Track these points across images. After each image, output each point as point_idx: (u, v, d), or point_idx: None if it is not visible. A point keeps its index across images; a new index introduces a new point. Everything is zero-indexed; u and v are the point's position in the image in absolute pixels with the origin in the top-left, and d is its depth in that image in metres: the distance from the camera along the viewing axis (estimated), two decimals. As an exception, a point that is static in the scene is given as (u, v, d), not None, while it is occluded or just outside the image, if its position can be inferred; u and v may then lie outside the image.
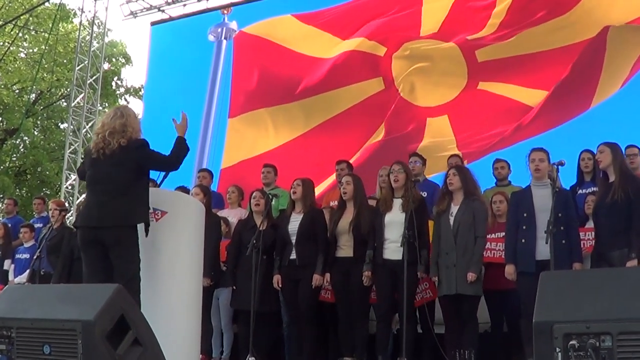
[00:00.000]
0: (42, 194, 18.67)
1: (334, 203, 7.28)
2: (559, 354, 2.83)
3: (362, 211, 6.36)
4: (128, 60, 23.91)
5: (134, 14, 14.84)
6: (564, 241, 5.45)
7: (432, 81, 10.09)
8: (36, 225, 9.35)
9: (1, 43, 20.70)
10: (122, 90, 24.20)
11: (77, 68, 15.00)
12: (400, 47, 10.27)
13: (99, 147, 5.01)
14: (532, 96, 9.23)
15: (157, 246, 5.09)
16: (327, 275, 6.37)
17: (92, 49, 15.19)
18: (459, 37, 9.81)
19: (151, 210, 5.14)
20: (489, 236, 6.13)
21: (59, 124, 23.03)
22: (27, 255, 8.62)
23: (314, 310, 6.48)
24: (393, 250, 6.02)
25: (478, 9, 9.72)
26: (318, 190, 8.74)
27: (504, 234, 5.98)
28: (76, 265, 7.10)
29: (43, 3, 19.42)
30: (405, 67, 10.27)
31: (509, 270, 5.68)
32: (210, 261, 6.53)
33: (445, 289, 5.88)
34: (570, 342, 2.81)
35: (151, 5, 14.58)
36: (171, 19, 14.29)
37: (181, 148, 5.23)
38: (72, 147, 14.54)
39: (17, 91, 21.85)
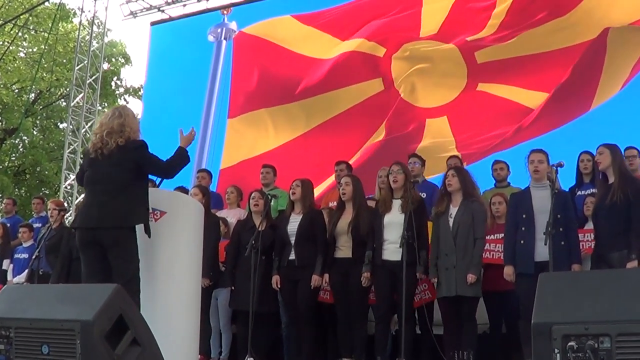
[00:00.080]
0: (41, 193, 18.70)
1: (333, 204, 7.28)
2: (558, 355, 2.83)
3: (361, 212, 6.36)
4: (127, 60, 23.94)
5: (133, 14, 14.85)
6: (563, 242, 5.46)
7: (432, 82, 10.09)
8: (35, 225, 9.34)
9: (1, 42, 20.70)
10: (121, 90, 24.24)
11: (76, 68, 14.99)
12: (399, 48, 10.27)
13: (97, 147, 5.01)
14: (533, 98, 9.22)
15: (155, 246, 5.09)
16: (326, 276, 6.37)
17: (91, 48, 15.20)
18: (458, 39, 9.80)
19: (150, 211, 5.14)
20: (488, 237, 6.13)
21: (58, 123, 23.05)
22: (25, 255, 8.62)
23: (313, 311, 6.48)
24: (392, 251, 6.02)
25: (478, 10, 9.72)
26: (317, 190, 8.75)
27: (502, 235, 5.97)
28: (75, 265, 7.10)
29: (43, 3, 19.42)
30: (405, 68, 10.26)
31: (508, 272, 5.68)
32: (209, 261, 6.54)
33: (445, 291, 5.88)
34: (569, 344, 2.81)
35: (151, 5, 14.58)
36: (171, 19, 14.29)
37: (181, 158, 5.21)
38: (72, 147, 14.54)
39: (16, 91, 21.85)
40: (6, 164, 21.44)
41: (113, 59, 23.34)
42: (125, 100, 24.02)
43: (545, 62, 9.19)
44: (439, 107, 9.97)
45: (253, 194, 7.06)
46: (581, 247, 5.81)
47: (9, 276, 8.74)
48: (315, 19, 11.02)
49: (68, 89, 16.98)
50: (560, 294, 3.04)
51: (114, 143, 4.95)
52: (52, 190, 21.72)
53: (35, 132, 22.82)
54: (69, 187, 14.42)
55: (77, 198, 13.87)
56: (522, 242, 5.65)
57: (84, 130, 14.50)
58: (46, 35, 19.15)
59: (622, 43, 8.69)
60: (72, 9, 21.23)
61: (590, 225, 6.14)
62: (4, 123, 21.50)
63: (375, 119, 10.32)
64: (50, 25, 18.45)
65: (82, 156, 12.18)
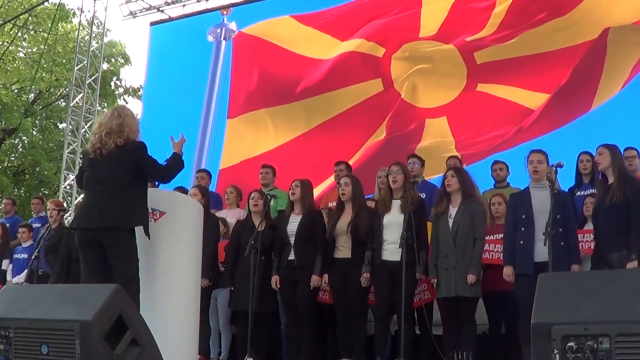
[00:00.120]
0: (40, 193, 18.67)
1: (332, 204, 7.28)
2: (557, 355, 2.83)
3: (360, 212, 6.36)
4: (127, 60, 23.96)
5: (133, 14, 14.85)
6: (562, 243, 5.46)
7: (432, 82, 10.08)
8: (34, 225, 9.34)
9: (0, 42, 20.70)
10: (121, 90, 24.26)
11: (76, 68, 14.99)
12: (399, 48, 10.26)
13: (96, 148, 5.01)
14: (533, 99, 9.21)
15: (155, 247, 5.09)
16: (325, 276, 6.37)
17: (91, 48, 15.19)
18: (458, 40, 9.80)
19: (149, 211, 5.14)
20: (487, 238, 6.12)
21: (58, 123, 23.05)
22: (25, 255, 8.62)
23: (312, 311, 6.48)
24: (391, 251, 6.02)
25: (477, 11, 9.71)
26: (317, 191, 8.75)
27: (502, 235, 5.97)
28: (74, 265, 7.10)
29: (42, 3, 19.42)
30: (404, 68, 10.26)
31: (507, 272, 5.68)
32: (209, 262, 6.53)
33: (445, 292, 5.88)
34: (568, 344, 2.82)
35: (150, 6, 14.58)
36: (170, 19, 14.29)
37: (177, 163, 5.24)
38: (71, 147, 14.54)
39: (15, 91, 21.85)
40: (5, 164, 21.44)
41: (112, 59, 23.35)
42: (124, 100, 24.05)
43: (545, 62, 9.18)
44: (438, 107, 9.97)
45: (252, 194, 7.06)
46: (580, 248, 5.81)
47: (9, 276, 8.74)
48: (314, 19, 11.01)
49: (67, 89, 16.99)
50: (560, 294, 3.04)
51: (113, 143, 4.96)
52: (52, 190, 21.72)
53: (34, 132, 22.83)
54: (68, 187, 14.42)
55: (76, 198, 13.86)
56: (521, 242, 5.65)
57: (83, 130, 14.50)
58: (46, 35, 19.14)
59: (622, 43, 8.69)
60: (72, 9, 21.31)
61: (589, 226, 6.15)
62: (3, 123, 21.51)
63: (375, 120, 10.31)
64: (49, 25, 18.46)
65: (81, 156, 12.17)
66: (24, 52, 22.03)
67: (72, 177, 14.15)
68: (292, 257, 6.48)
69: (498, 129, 9.37)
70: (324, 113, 10.59)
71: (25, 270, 8.10)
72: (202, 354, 6.56)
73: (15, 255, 8.83)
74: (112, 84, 23.55)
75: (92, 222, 4.86)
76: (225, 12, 13.21)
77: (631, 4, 8.78)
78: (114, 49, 23.12)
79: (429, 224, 6.29)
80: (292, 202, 6.73)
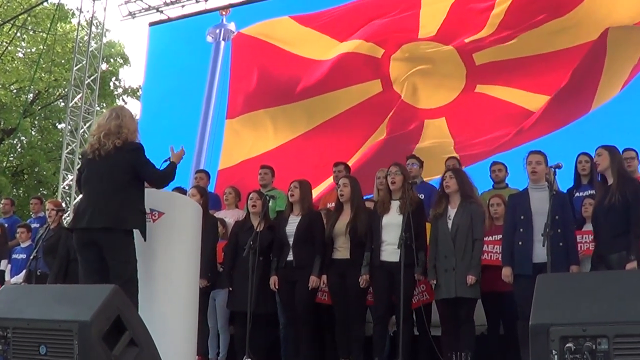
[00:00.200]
0: (39, 194, 18.66)
1: (331, 205, 7.28)
2: (556, 356, 2.84)
3: (358, 213, 6.36)
4: (126, 60, 23.96)
5: (132, 14, 14.85)
6: (561, 244, 5.46)
7: (432, 84, 10.08)
8: (33, 226, 9.33)
9: (-1, 42, 20.72)
10: (120, 90, 24.26)
11: (75, 68, 14.99)
12: (398, 48, 10.26)
13: (94, 148, 5.01)
14: (533, 101, 9.21)
15: (153, 247, 5.09)
16: (324, 277, 6.37)
17: (90, 49, 15.20)
18: (457, 41, 9.80)
19: (148, 211, 5.14)
20: (486, 239, 6.13)
21: (57, 124, 23.04)
22: (23, 256, 8.61)
23: (311, 312, 6.48)
24: (390, 252, 6.02)
25: (477, 12, 9.71)
26: (316, 192, 8.75)
27: (501, 236, 5.98)
28: (72, 266, 7.09)
29: (41, 3, 19.42)
30: (404, 69, 10.26)
31: (506, 273, 5.68)
32: (207, 262, 6.53)
33: (445, 293, 5.87)
34: (567, 345, 2.82)
35: (149, 6, 14.59)
36: (169, 19, 14.29)
37: (172, 173, 5.23)
38: (70, 148, 14.54)
39: (14, 91, 21.84)
40: (4, 164, 21.42)
41: (111, 60, 23.35)
42: (123, 100, 24.05)
43: (545, 63, 9.17)
44: (437, 108, 9.97)
45: (251, 195, 7.06)
46: (579, 249, 5.83)
47: (7, 276, 8.73)
48: (313, 20, 11.01)
49: (66, 90, 17.00)
50: (558, 295, 3.04)
51: (111, 144, 4.95)
52: (50, 190, 21.72)
53: (33, 133, 22.81)
54: (67, 188, 14.42)
55: (75, 198, 13.86)
56: (520, 243, 5.65)
57: (82, 130, 14.50)
58: (45, 35, 19.14)
59: (622, 43, 8.68)
60: (71, 10, 21.29)
61: (588, 227, 6.16)
62: (2, 123, 21.50)
63: (374, 120, 10.31)
64: (48, 25, 18.48)
65: (80, 157, 12.18)
66: (23, 52, 22.04)
67: (70, 177, 14.16)
68: (290, 257, 6.48)
69: (497, 130, 9.37)
70: (323, 114, 10.59)
71: (24, 271, 8.10)
72: (200, 355, 6.55)
73: (14, 256, 8.82)
74: (111, 84, 23.56)
75: (90, 222, 4.86)
76: (224, 13, 13.21)
77: (631, 5, 8.77)
78: (113, 50, 23.12)
79: (428, 225, 6.29)
80: (291, 203, 6.72)
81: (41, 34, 20.23)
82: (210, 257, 6.85)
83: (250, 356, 6.15)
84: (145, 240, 4.91)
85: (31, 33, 21.18)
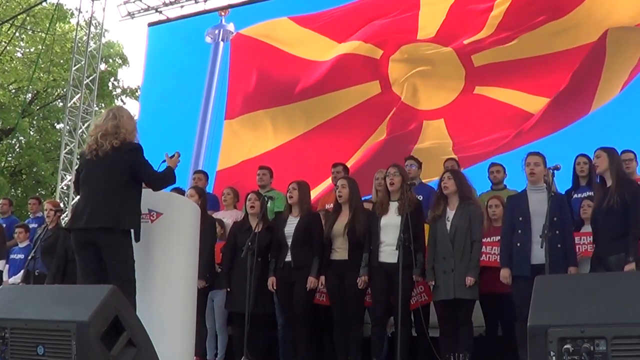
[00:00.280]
0: (37, 194, 18.63)
1: (329, 206, 7.28)
2: (554, 357, 2.84)
3: (357, 214, 6.36)
4: (125, 61, 23.94)
5: (131, 14, 14.84)
6: (559, 245, 5.46)
7: (431, 85, 10.09)
8: (31, 226, 9.32)
9: (-2, 42, 20.71)
10: (118, 91, 24.23)
11: (73, 68, 14.98)
12: (397, 49, 10.27)
13: (92, 149, 5.01)
14: (533, 103, 9.20)
15: (152, 248, 5.09)
16: (322, 278, 6.36)
17: (89, 49, 15.19)
18: (456, 42, 9.80)
19: (146, 212, 5.14)
20: (484, 240, 6.12)
21: (55, 124, 23.01)
22: (21, 256, 8.60)
23: (309, 313, 6.47)
24: (388, 253, 6.01)
25: (476, 13, 9.71)
26: (315, 193, 8.75)
27: (499, 237, 5.98)
28: (70, 266, 7.09)
29: (40, 3, 19.41)
30: (403, 70, 10.26)
31: (504, 274, 5.68)
32: (205, 263, 6.52)
33: (443, 294, 5.87)
34: (565, 346, 2.82)
35: (148, 6, 14.58)
36: (168, 20, 14.28)
37: (170, 176, 5.23)
38: (68, 148, 14.52)
39: (13, 91, 21.82)
40: (2, 164, 21.39)
41: (110, 60, 23.33)
42: (122, 101, 24.03)
43: (545, 65, 9.17)
44: (436, 109, 9.97)
45: (249, 196, 7.05)
46: (577, 250, 5.83)
47: (5, 277, 8.71)
48: (312, 21, 11.02)
49: (65, 90, 16.98)
50: (557, 296, 3.04)
51: (109, 145, 4.95)
52: (49, 190, 21.68)
53: (31, 133, 22.78)
54: (65, 188, 14.41)
55: (73, 199, 13.84)
56: (518, 244, 5.65)
57: (80, 130, 14.49)
58: (43, 35, 19.12)
59: (622, 43, 8.68)
60: (70, 10, 21.23)
61: (586, 228, 6.17)
62: (0, 123, 21.48)
63: (372, 121, 10.32)
64: (47, 25, 18.44)
65: (78, 157, 12.17)
66: (22, 52, 22.02)
67: (69, 177, 14.14)
68: (288, 258, 6.47)
69: (496, 131, 9.38)
70: (322, 115, 10.59)
71: (22, 271, 8.09)
72: (198, 356, 6.54)
73: (12, 256, 8.81)
74: (110, 84, 23.54)
75: (88, 222, 4.86)
76: (223, 14, 13.21)
77: (631, 6, 8.76)
78: (111, 50, 23.11)
79: (426, 226, 6.29)
80: (290, 204, 6.72)
81: (40, 33, 20.22)
82: (209, 257, 6.84)
83: (249, 357, 6.15)
84: (138, 241, 4.91)
85: (30, 33, 21.16)
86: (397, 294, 5.73)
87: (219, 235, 7.42)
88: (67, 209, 12.87)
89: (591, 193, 6.47)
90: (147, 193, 5.14)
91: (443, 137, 9.76)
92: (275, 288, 6.54)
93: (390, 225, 6.08)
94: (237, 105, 11.28)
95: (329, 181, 9.03)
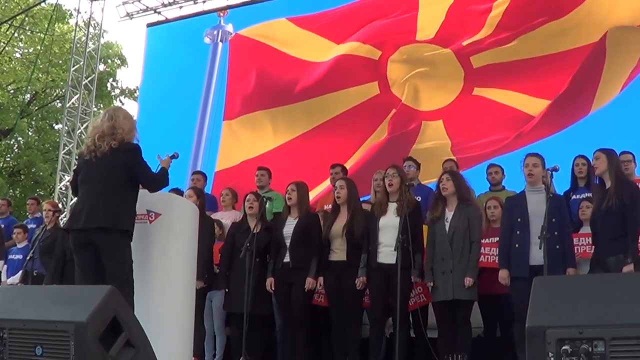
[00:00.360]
0: (35, 194, 18.62)
1: (328, 207, 7.28)
2: (552, 358, 2.84)
3: (355, 215, 6.36)
4: (123, 61, 23.92)
5: (130, 15, 14.84)
6: (557, 246, 5.47)
7: (431, 86, 10.09)
8: (29, 226, 9.32)
9: (-3, 43, 20.69)
10: (117, 91, 24.23)
11: (72, 69, 14.98)
12: (395, 50, 10.27)
13: (91, 150, 5.02)
14: (533, 105, 9.19)
15: (150, 248, 5.10)
16: (321, 279, 6.36)
17: (87, 49, 15.19)
18: (455, 44, 9.80)
19: (145, 212, 5.14)
20: (483, 241, 6.12)
21: (54, 124, 23.01)
22: (20, 256, 8.60)
23: (307, 314, 6.47)
24: (387, 254, 6.02)
25: (475, 14, 9.71)
26: (313, 193, 8.75)
27: (497, 239, 5.98)
28: (69, 266, 7.08)
29: (39, 3, 19.40)
30: (402, 71, 10.26)
31: (503, 275, 5.68)
32: (204, 264, 6.52)
33: (442, 295, 5.87)
34: (563, 347, 2.82)
35: (147, 7, 14.57)
36: (167, 20, 14.29)
37: (164, 177, 5.23)
38: (67, 148, 14.52)
39: (11, 91, 21.81)
40: (1, 165, 21.38)
41: (109, 60, 23.33)
42: (120, 101, 24.03)
43: (544, 66, 9.16)
44: (435, 110, 9.98)
45: (248, 197, 7.06)
46: (576, 251, 5.83)
47: (3, 277, 8.70)
48: (310, 22, 11.02)
49: (64, 90, 16.95)
50: (555, 297, 3.04)
51: (106, 146, 4.96)
52: (47, 191, 21.65)
53: (30, 133, 22.78)
54: (63, 188, 14.40)
55: (71, 199, 13.83)
56: (517, 245, 5.65)
57: (79, 131, 14.48)
58: (42, 36, 19.12)
59: (622, 43, 8.67)
60: (69, 10, 21.23)
61: (585, 230, 6.17)
62: (-1, 124, 21.49)
63: (371, 122, 10.32)
64: (46, 26, 18.43)
65: (77, 158, 12.17)
66: (21, 52, 22.01)
67: (67, 178, 14.12)
68: (287, 259, 6.47)
69: (496, 133, 9.37)
70: (320, 115, 10.59)
71: (20, 271, 8.09)
72: (196, 356, 6.54)
73: (10, 256, 8.80)
74: (109, 85, 23.53)
75: (86, 223, 4.86)
76: (222, 14, 13.22)
77: (632, 6, 8.75)
78: (110, 50, 23.10)
79: (425, 228, 6.29)
80: (288, 205, 6.72)
81: (39, 34, 20.21)
82: (207, 258, 6.84)
83: (247, 358, 6.14)
84: (130, 241, 4.93)
85: (29, 33, 21.14)
86: (396, 295, 5.73)
87: (218, 235, 7.41)
88: (65, 210, 12.87)
89: (589, 194, 6.47)
90: (145, 194, 5.15)
91: (442, 138, 9.77)
92: (273, 289, 6.54)
93: (389, 226, 6.08)
94: (235, 105, 11.28)
95: (327, 182, 9.04)
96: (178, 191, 7.45)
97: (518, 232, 5.67)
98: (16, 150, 22.65)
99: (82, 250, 4.91)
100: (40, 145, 22.55)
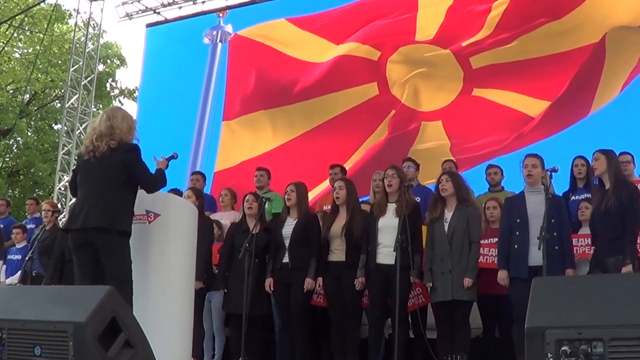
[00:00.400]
0: (34, 195, 18.62)
1: (327, 207, 7.28)
2: (551, 359, 2.84)
3: (354, 216, 6.36)
4: (123, 61, 23.90)
5: (129, 15, 14.82)
6: (556, 247, 5.47)
7: (431, 87, 10.09)
8: (28, 226, 9.32)
9: (-4, 43, 20.67)
10: (116, 92, 24.20)
11: (71, 69, 14.97)
12: (395, 51, 10.27)
13: (89, 150, 5.02)
14: (532, 105, 9.19)
15: (149, 249, 5.09)
16: (320, 280, 6.36)
17: (87, 50, 15.17)
18: (454, 45, 9.80)
19: (144, 213, 5.14)
20: (482, 242, 6.12)
21: (53, 124, 22.99)
22: (19, 256, 8.60)
23: (306, 314, 6.46)
24: (386, 254, 6.01)
25: (474, 15, 9.72)
26: (312, 194, 8.75)
27: (496, 239, 5.98)
28: (68, 267, 7.08)
29: (39, 3, 19.38)
30: (402, 72, 10.26)
31: (502, 276, 5.68)
32: (203, 264, 6.52)
33: (441, 295, 5.87)
34: (562, 348, 2.82)
35: (147, 7, 14.56)
36: (166, 21, 14.28)
37: (162, 177, 5.22)
38: (66, 149, 14.51)
39: (11, 91, 21.79)
40: (0, 165, 21.37)
41: (108, 61, 23.30)
42: (120, 102, 23.99)
43: (544, 67, 9.16)
44: (434, 111, 9.98)
45: (247, 197, 7.05)
46: (575, 252, 5.82)
47: (2, 277, 8.70)
48: (309, 23, 11.02)
49: (63, 90, 16.92)
50: (554, 298, 3.04)
51: (105, 146, 4.96)
52: (46, 191, 21.65)
53: (29, 133, 22.76)
54: (62, 189, 14.39)
55: (70, 199, 13.82)
56: (516, 246, 5.65)
57: (78, 131, 14.47)
58: (41, 36, 19.11)
59: (622, 43, 8.67)
60: (68, 10, 21.21)
61: (584, 230, 6.17)
62: (-2, 124, 21.47)
63: (370, 123, 10.33)
64: (45, 26, 18.42)
65: (76, 158, 12.16)
66: (20, 52, 21.98)
67: (66, 178, 14.11)
68: (286, 259, 6.47)
69: (495, 134, 9.38)
70: (320, 116, 10.60)
71: (19, 272, 8.09)
72: (195, 357, 6.53)
73: (9, 256, 8.80)
74: (108, 85, 23.51)
75: (84, 222, 4.86)
76: (221, 15, 13.21)
77: (632, 7, 8.75)
78: (109, 51, 23.08)
79: (424, 228, 6.29)
80: (287, 206, 6.72)
81: (38, 34, 20.19)
82: (206, 259, 6.84)
83: (246, 358, 6.14)
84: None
85: (28, 33, 21.12)
86: (395, 296, 5.73)
87: (217, 236, 7.41)
88: (64, 210, 12.86)
89: (589, 195, 6.47)
90: (145, 194, 5.14)
91: (441, 139, 9.77)
92: (272, 289, 6.54)
93: (388, 226, 6.08)
94: (235, 106, 11.29)
95: (326, 183, 9.04)
96: (177, 191, 7.45)
97: (517, 233, 5.67)
98: (15, 150, 22.63)
99: (81, 251, 4.91)
100: (40, 145, 22.52)
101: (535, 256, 5.38)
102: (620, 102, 8.80)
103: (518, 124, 9.26)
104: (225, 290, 6.79)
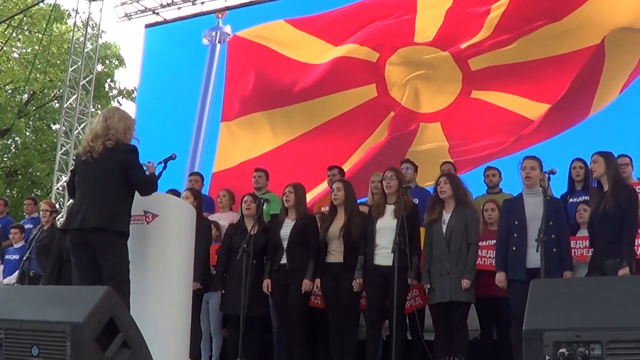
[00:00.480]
0: (32, 194, 18.60)
1: (325, 209, 7.28)
2: (549, 361, 2.84)
3: (352, 217, 6.36)
4: (121, 62, 23.88)
5: (128, 16, 14.82)
6: (554, 249, 5.47)
7: (430, 89, 10.10)
8: (26, 226, 9.31)
9: (-5, 43, 20.66)
10: (115, 92, 24.17)
11: (70, 69, 14.95)
12: (393, 52, 10.28)
13: (87, 151, 5.03)
14: (531, 108, 9.19)
15: (147, 249, 5.09)
16: (317, 281, 6.36)
17: (85, 50, 15.16)
18: (453, 47, 9.81)
19: (142, 213, 5.14)
20: (480, 244, 6.12)
21: (51, 125, 22.97)
22: (16, 256, 8.59)
23: (304, 315, 6.46)
24: (384, 256, 6.01)
25: (473, 17, 9.72)
26: (311, 195, 8.75)
27: (494, 241, 5.98)
28: (65, 267, 7.08)
29: (37, 3, 19.36)
30: (401, 74, 10.27)
31: (500, 278, 5.68)
32: (201, 265, 6.51)
33: (439, 297, 5.86)
34: (560, 350, 2.82)
35: (146, 8, 14.55)
36: (165, 21, 14.27)
37: (154, 182, 5.21)
38: (64, 149, 14.49)
39: (9, 91, 21.77)
40: (-2, 165, 21.40)
41: (107, 61, 23.29)
42: (118, 102, 23.96)
43: (544, 69, 9.16)
44: (433, 112, 9.99)
45: (245, 198, 7.05)
46: (573, 254, 5.83)
47: (0, 277, 8.70)
48: (308, 24, 11.03)
49: (61, 90, 16.92)
50: (552, 300, 3.04)
51: (101, 146, 4.96)
52: (44, 191, 21.65)
53: (27, 133, 22.73)
54: (60, 189, 14.37)
55: (69, 199, 13.81)
56: (514, 248, 5.65)
57: (76, 131, 14.46)
58: (40, 36, 19.10)
59: (622, 45, 8.67)
60: (67, 10, 21.20)
61: (582, 233, 6.18)
62: (-4, 124, 21.45)
63: (369, 124, 10.33)
64: (44, 26, 18.41)
65: (74, 158, 12.16)
66: (18, 52, 21.96)
67: (64, 178, 14.09)
68: (284, 260, 6.46)
69: (493, 136, 9.38)
70: (318, 117, 10.61)
71: (17, 272, 8.07)
72: (193, 358, 6.53)
73: (7, 256, 8.80)
74: (106, 85, 23.48)
75: (82, 223, 4.85)
76: (220, 16, 13.21)
77: (632, 8, 8.75)
78: (108, 51, 23.06)
79: (422, 230, 6.29)
80: (286, 207, 6.71)
81: (37, 34, 20.17)
82: (204, 259, 6.83)
83: (243, 359, 6.14)
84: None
85: (27, 33, 21.10)
86: (392, 297, 5.73)
87: (215, 237, 7.40)
88: (62, 210, 12.85)
89: (587, 197, 6.47)
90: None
91: (440, 140, 9.78)
92: (270, 290, 6.53)
93: (386, 228, 6.08)
94: (233, 107, 11.29)
95: (325, 184, 9.03)
96: (175, 192, 7.44)
97: (515, 235, 5.67)
98: (13, 150, 22.61)
99: (79, 251, 4.90)
100: (38, 145, 22.50)
101: (533, 258, 5.38)
102: (619, 105, 8.80)
103: (517, 126, 9.26)
104: (223, 291, 6.79)
